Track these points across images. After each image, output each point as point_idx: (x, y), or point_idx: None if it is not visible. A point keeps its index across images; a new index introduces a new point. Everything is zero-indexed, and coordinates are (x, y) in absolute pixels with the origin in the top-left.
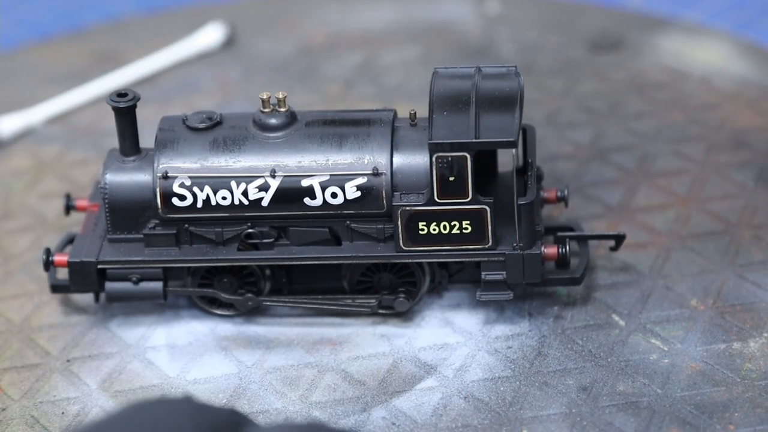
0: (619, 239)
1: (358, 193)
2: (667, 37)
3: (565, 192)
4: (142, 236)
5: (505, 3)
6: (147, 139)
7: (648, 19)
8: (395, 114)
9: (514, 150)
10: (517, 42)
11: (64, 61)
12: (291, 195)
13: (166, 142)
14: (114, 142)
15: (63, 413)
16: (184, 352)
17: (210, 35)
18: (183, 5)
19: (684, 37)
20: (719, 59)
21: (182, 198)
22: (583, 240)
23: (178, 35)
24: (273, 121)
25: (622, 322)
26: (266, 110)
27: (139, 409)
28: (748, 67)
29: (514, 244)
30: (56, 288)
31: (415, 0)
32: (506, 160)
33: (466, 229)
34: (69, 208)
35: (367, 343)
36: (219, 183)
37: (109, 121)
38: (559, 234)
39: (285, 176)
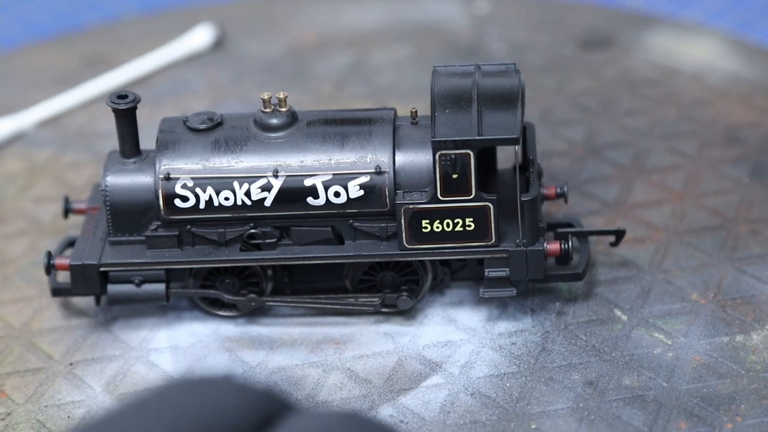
0: (619, 235)
1: (361, 192)
2: (657, 35)
3: (565, 188)
4: (143, 238)
5: (494, 2)
6: (142, 140)
7: (637, 16)
8: (396, 112)
9: (516, 147)
10: (506, 41)
11: (53, 64)
12: (294, 195)
13: (167, 143)
14: (107, 144)
15: (69, 417)
16: (187, 354)
17: (199, 37)
18: (172, 7)
19: (673, 34)
20: (709, 56)
21: (185, 199)
22: (583, 236)
23: (168, 37)
24: (274, 121)
25: (624, 317)
26: (267, 110)
27: (180, 386)
28: (738, 64)
29: (518, 241)
30: (57, 291)
31: (404, 0)
32: (504, 157)
33: (470, 226)
34: (68, 211)
35: (371, 341)
36: (221, 184)
37: (102, 124)
38: (560, 230)
39: (288, 176)
